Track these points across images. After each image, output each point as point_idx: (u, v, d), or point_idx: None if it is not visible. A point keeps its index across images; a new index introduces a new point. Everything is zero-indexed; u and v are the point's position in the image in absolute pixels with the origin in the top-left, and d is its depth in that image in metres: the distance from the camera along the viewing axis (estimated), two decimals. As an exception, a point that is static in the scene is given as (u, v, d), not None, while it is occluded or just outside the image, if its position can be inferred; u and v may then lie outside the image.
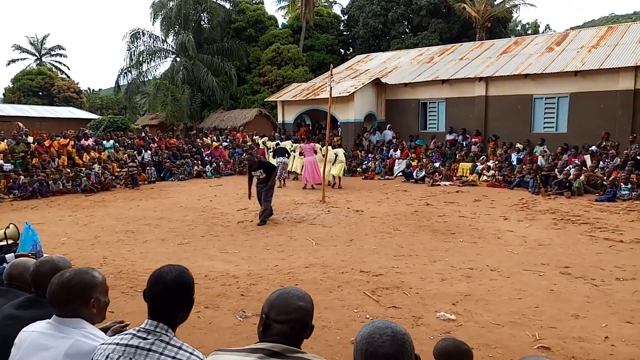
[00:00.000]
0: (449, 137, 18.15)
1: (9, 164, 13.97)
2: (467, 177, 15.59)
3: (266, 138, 19.47)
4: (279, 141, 18.13)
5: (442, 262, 6.78)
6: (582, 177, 12.60)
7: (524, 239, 8.03)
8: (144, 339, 1.78)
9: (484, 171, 15.46)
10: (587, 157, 14.11)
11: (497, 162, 15.61)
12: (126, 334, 1.83)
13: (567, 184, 12.56)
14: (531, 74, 16.47)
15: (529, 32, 39.57)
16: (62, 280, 2.04)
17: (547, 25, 44.04)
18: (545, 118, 16.68)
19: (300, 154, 15.60)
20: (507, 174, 14.72)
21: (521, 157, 15.30)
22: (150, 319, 1.84)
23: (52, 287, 2.03)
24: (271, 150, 16.90)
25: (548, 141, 15.59)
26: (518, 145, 16.03)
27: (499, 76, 17.19)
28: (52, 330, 1.99)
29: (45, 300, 2.43)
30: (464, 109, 18.16)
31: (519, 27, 40.86)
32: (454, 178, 15.81)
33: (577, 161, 13.96)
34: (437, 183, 15.14)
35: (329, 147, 14.57)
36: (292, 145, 17.01)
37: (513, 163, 15.30)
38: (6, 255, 3.99)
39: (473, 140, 17.39)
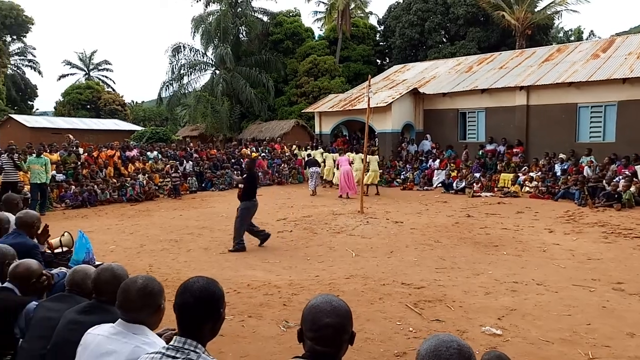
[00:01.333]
0: (489, 147, 17.80)
1: (62, 175, 14.65)
2: (508, 188, 15.23)
3: (319, 151, 19.35)
4: (311, 151, 18.80)
5: (486, 275, 6.64)
6: (632, 189, 12.09)
7: (571, 252, 7.77)
8: (173, 357, 1.79)
9: (527, 182, 15.07)
10: (638, 168, 13.52)
11: (540, 172, 15.18)
12: (156, 352, 1.85)
13: (617, 196, 12.07)
14: (576, 82, 15.99)
15: (572, 39, 38.50)
16: (138, 287, 2.13)
17: (591, 31, 42.76)
18: (591, 127, 16.11)
19: (337, 165, 16.14)
20: (551, 185, 14.29)
21: (565, 167, 14.83)
22: (179, 335, 1.84)
23: (129, 294, 2.11)
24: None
25: (595, 151, 15.05)
26: (562, 155, 15.55)
27: (541, 85, 16.77)
28: (115, 335, 2.09)
29: (106, 305, 2.56)
30: (504, 118, 17.79)
31: (561, 34, 39.84)
32: (495, 189, 15.47)
33: (627, 172, 13.39)
34: (477, 194, 14.85)
35: (350, 154, 15.75)
36: (322, 154, 17.86)
37: (557, 174, 14.84)
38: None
39: (514, 150, 16.99)
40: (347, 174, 15.07)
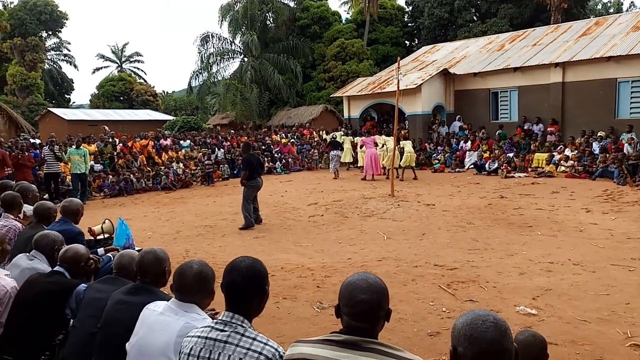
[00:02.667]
0: (522, 126, 17.36)
1: (99, 165, 15.17)
2: (543, 168, 14.87)
3: (339, 133, 19.82)
4: (334, 134, 19.37)
5: (520, 255, 6.57)
6: (675, 166, 11.62)
7: (609, 232, 7.58)
8: (221, 331, 1.89)
9: (562, 162, 14.67)
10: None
11: (576, 151, 14.74)
12: (206, 326, 1.96)
13: (658, 174, 11.64)
14: (615, 56, 15.35)
15: (611, 11, 36.78)
16: (194, 272, 2.29)
17: (632, 2, 40.70)
18: (632, 103, 15.48)
19: (361, 146, 16.39)
20: (589, 164, 13.87)
21: (604, 145, 14.34)
22: (227, 310, 1.94)
23: (185, 278, 2.27)
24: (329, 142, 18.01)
25: (636, 128, 14.48)
26: (600, 133, 15.04)
27: (578, 60, 16.18)
28: (170, 312, 2.24)
29: (150, 286, 2.70)
30: (538, 97, 17.29)
31: (599, 6, 38.13)
32: (529, 169, 15.13)
33: (669, 148, 12.87)
34: (510, 175, 14.57)
35: (378, 137, 15.88)
36: (341, 138, 18.37)
37: (595, 152, 14.38)
38: (97, 249, 4.41)
39: (549, 129, 16.53)
40: (373, 156, 15.16)
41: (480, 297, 5.12)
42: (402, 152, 14.75)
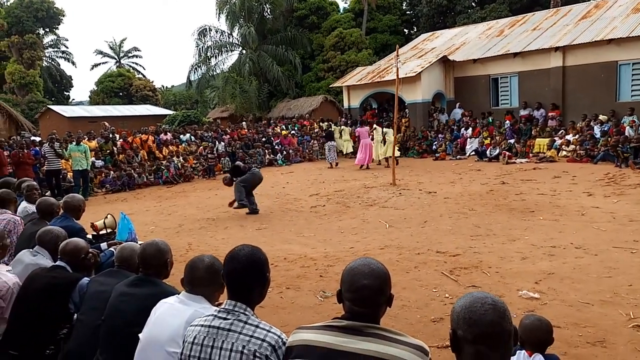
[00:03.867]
0: (523, 112, 17.29)
1: (100, 161, 15.18)
2: (544, 153, 14.83)
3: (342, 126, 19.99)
4: (331, 125, 19.93)
5: (522, 240, 6.58)
6: (677, 148, 11.58)
7: (612, 215, 7.57)
8: (224, 319, 1.90)
9: (563, 146, 14.63)
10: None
11: (578, 135, 14.69)
12: (209, 315, 1.98)
13: (661, 156, 11.60)
14: (616, 39, 15.21)
15: (611, -7, 36.41)
16: (206, 266, 2.35)
17: (632, -17, 40.19)
18: (633, 85, 15.35)
19: (357, 136, 16.84)
20: (590, 148, 13.82)
21: (606, 129, 14.28)
22: (229, 298, 1.95)
23: (197, 271, 2.34)
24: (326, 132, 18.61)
25: (638, 110, 14.39)
26: (601, 117, 14.96)
27: (578, 44, 16.05)
28: (179, 303, 2.30)
29: (152, 278, 2.72)
30: (538, 82, 17.18)
31: (598, -11, 37.72)
32: (530, 155, 15.10)
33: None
34: (512, 161, 14.54)
35: (377, 127, 16.25)
36: (340, 129, 18.98)
37: (596, 136, 14.32)
38: (100, 244, 4.42)
39: (550, 114, 16.46)
40: (367, 146, 15.64)
41: (483, 282, 5.14)
42: (385, 142, 15.38)
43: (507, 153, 14.84)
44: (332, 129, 18.71)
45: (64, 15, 43.18)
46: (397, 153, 15.29)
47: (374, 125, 16.68)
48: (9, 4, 41.22)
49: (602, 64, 15.69)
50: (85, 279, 3.05)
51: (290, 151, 19.25)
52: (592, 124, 14.99)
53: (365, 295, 1.69)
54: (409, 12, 33.01)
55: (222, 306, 1.97)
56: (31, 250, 3.53)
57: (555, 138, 15.17)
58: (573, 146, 14.34)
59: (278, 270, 6.01)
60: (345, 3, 34.65)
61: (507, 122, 17.08)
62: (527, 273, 5.30)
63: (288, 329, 4.49)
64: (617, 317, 4.13)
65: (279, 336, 1.86)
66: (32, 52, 38.62)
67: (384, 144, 15.50)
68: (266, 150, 18.79)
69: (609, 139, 13.43)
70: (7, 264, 3.45)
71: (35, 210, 4.42)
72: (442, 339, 3.91)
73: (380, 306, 1.73)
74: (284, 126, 21.33)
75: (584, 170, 12.14)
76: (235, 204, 9.52)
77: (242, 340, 1.84)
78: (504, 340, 1.42)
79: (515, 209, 8.52)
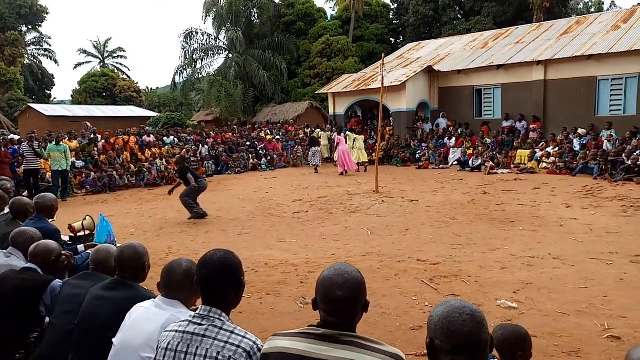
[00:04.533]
0: (505, 123, 17.56)
1: (81, 161, 14.93)
2: (525, 164, 15.06)
3: (319, 131, 20.40)
4: (316, 131, 20.23)
5: (502, 250, 6.65)
6: (653, 162, 11.86)
7: (589, 227, 7.71)
8: (199, 324, 1.87)
9: (544, 158, 14.88)
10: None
11: (557, 148, 14.96)
12: (183, 320, 1.94)
13: (637, 170, 11.87)
14: (595, 55, 15.59)
15: (592, 10, 37.34)
16: (183, 270, 2.32)
17: (612, 1, 41.28)
18: (611, 100, 15.74)
19: (337, 144, 17.01)
20: (569, 161, 14.08)
21: (584, 142, 14.58)
22: (203, 304, 1.92)
23: (174, 275, 2.30)
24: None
25: (615, 125, 14.73)
26: (580, 130, 15.28)
27: (559, 59, 16.40)
28: (155, 307, 2.26)
29: (129, 281, 2.67)
30: (521, 94, 17.49)
31: (580, 6, 38.68)
32: (512, 166, 15.32)
33: (647, 145, 13.13)
34: (494, 171, 14.73)
35: (349, 134, 17.36)
36: (319, 135, 19.54)
37: (575, 149, 14.61)
38: (77, 246, 4.34)
39: (531, 126, 16.75)
40: (345, 152, 16.12)
41: (462, 291, 5.17)
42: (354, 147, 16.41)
43: (491, 164, 15.04)
44: (317, 135, 19.04)
45: (47, 13, 42.55)
46: (366, 159, 16.59)
47: (347, 132, 17.61)
48: (-9, 0, 40.49)
49: (582, 79, 16.05)
50: (58, 282, 2.98)
51: (275, 156, 19.22)
52: (571, 136, 15.29)
53: (340, 306, 1.66)
54: (395, 22, 33.38)
55: (197, 312, 1.93)
56: (4, 251, 3.44)
57: (536, 150, 15.43)
58: (553, 158, 14.60)
59: (259, 275, 5.97)
60: (333, 11, 34.90)
61: (482, 131, 17.37)
62: (506, 283, 5.36)
63: (267, 334, 4.42)
64: (592, 327, 4.19)
65: (254, 342, 1.84)
66: (13, 50, 37.93)
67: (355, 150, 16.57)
68: (250, 155, 18.72)
69: (588, 152, 13.70)
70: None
71: (9, 210, 4.31)
72: (420, 347, 3.91)
73: (356, 314, 1.71)
74: (268, 131, 21.29)
75: (563, 182, 12.35)
76: (190, 215, 9.67)
77: (216, 347, 1.81)
78: (481, 350, 1.43)
79: (495, 219, 8.62)
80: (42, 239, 3.42)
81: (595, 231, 7.43)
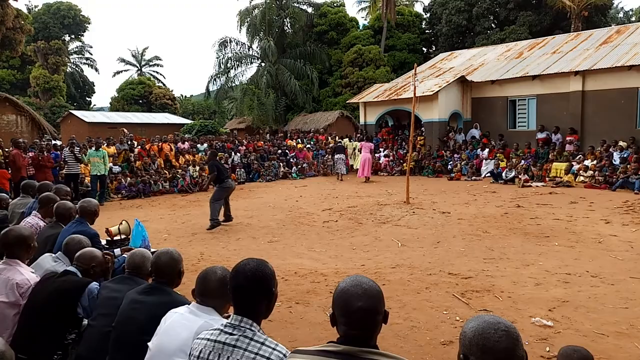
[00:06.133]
0: (540, 135, 17.16)
1: (117, 167, 15.39)
2: (561, 177, 14.65)
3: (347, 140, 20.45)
4: (343, 141, 20.25)
5: (536, 266, 6.48)
6: (699, 178, 11.35)
7: (630, 244, 7.42)
8: (230, 334, 1.89)
9: (581, 171, 14.44)
10: None
11: (596, 161, 14.50)
12: (216, 329, 1.97)
13: (681, 185, 11.37)
14: (636, 65, 15.09)
15: (633, 19, 36.24)
16: (218, 278, 2.37)
17: (655, 10, 39.97)
18: (653, 113, 15.19)
19: (359, 150, 17.84)
20: (609, 175, 13.62)
21: (625, 155, 14.08)
22: (235, 313, 1.94)
23: (209, 283, 2.36)
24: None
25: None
26: (621, 143, 14.77)
27: (598, 69, 15.95)
28: (190, 313, 2.31)
29: (164, 287, 2.73)
30: (557, 105, 17.07)
31: (620, 15, 37.62)
32: (547, 179, 14.93)
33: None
34: (528, 184, 14.38)
35: (349, 142, 18.63)
36: (344, 142, 19.87)
37: (615, 162, 14.12)
38: (114, 250, 4.47)
39: (568, 139, 16.30)
40: (367, 160, 16.80)
41: (494, 307, 5.06)
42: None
43: (525, 176, 14.70)
44: (344, 144, 19.15)
45: (89, 23, 44.30)
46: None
47: (349, 140, 18.87)
48: (37, 10, 42.40)
49: (622, 90, 15.54)
50: (95, 284, 3.08)
51: (305, 165, 19.31)
52: (611, 150, 14.80)
53: (361, 318, 1.64)
54: (428, 31, 33.17)
55: (229, 321, 1.95)
56: (53, 255, 3.57)
57: (572, 163, 14.99)
58: (591, 172, 14.15)
59: (288, 284, 6.00)
60: (365, 20, 35.01)
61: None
62: (541, 299, 5.21)
63: (296, 344, 4.47)
64: (633, 350, 4.03)
65: (284, 354, 1.84)
66: (57, 58, 39.56)
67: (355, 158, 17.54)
68: (281, 163, 18.88)
69: (629, 166, 13.23)
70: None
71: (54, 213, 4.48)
72: (451, 363, 3.85)
73: (377, 326, 1.68)
74: (299, 139, 21.44)
75: (601, 197, 11.95)
76: (208, 224, 9.56)
77: (247, 357, 1.84)
78: None
79: (529, 233, 8.41)
80: (90, 245, 3.54)
81: (637, 249, 7.14)
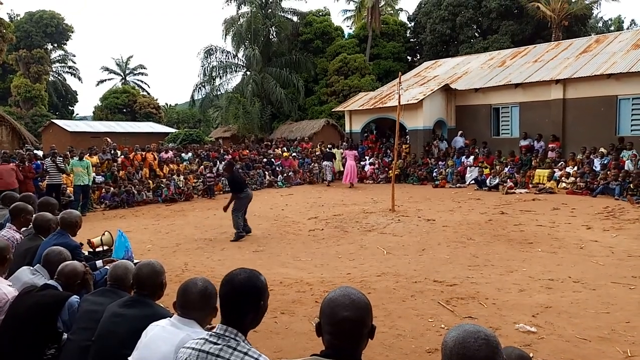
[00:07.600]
0: (523, 142, 17.40)
1: (100, 176, 15.20)
2: (544, 184, 14.85)
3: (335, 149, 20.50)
4: (330, 147, 20.59)
5: (520, 272, 6.54)
6: (676, 183, 11.60)
7: (610, 249, 7.54)
8: (215, 343, 1.88)
9: (563, 178, 14.66)
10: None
11: (577, 168, 14.74)
12: (200, 338, 1.96)
13: (660, 191, 11.61)
14: (615, 74, 15.42)
15: (612, 28, 37.09)
16: (199, 289, 2.32)
17: (632, 20, 41.06)
18: (632, 120, 15.49)
19: (344, 157, 18.61)
20: (590, 181, 13.84)
21: (605, 162, 14.33)
22: (221, 322, 1.93)
23: (190, 295, 2.31)
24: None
25: (636, 145, 14.48)
26: (602, 149, 15.04)
27: (579, 77, 16.26)
28: (171, 326, 2.28)
29: (146, 299, 2.70)
30: (539, 113, 17.33)
31: (600, 24, 38.46)
32: (530, 185, 15.12)
33: (670, 166, 12.85)
34: (511, 191, 14.55)
35: (335, 150, 19.18)
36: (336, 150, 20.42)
37: (596, 169, 14.36)
38: (96, 262, 4.40)
39: (550, 146, 16.55)
40: (352, 167, 17.50)
41: (479, 313, 5.09)
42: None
43: (510, 183, 14.87)
44: (333, 151, 19.45)
45: (72, 32, 43.92)
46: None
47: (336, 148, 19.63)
48: (19, 18, 41.92)
49: (602, 98, 15.85)
50: (75, 298, 3.02)
51: (291, 173, 19.29)
52: (592, 156, 15.06)
53: (347, 328, 1.62)
54: (412, 40, 33.54)
55: (214, 331, 1.94)
56: (31, 268, 3.50)
57: (555, 169, 15.21)
58: (573, 178, 14.37)
59: (274, 294, 5.95)
60: (350, 29, 35.25)
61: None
62: (524, 306, 5.26)
63: (281, 354, 4.43)
64: (615, 354, 4.08)
65: None
66: (39, 67, 39.11)
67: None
68: (266, 172, 18.83)
69: (609, 172, 13.47)
70: (5, 279, 3.41)
71: (32, 226, 4.39)
72: (436, 371, 3.85)
73: (362, 339, 1.66)
74: (285, 148, 21.42)
75: (583, 203, 12.14)
76: (234, 236, 9.38)
77: None
78: None
79: (513, 239, 8.49)
80: (70, 258, 3.48)
81: (617, 254, 7.26)
